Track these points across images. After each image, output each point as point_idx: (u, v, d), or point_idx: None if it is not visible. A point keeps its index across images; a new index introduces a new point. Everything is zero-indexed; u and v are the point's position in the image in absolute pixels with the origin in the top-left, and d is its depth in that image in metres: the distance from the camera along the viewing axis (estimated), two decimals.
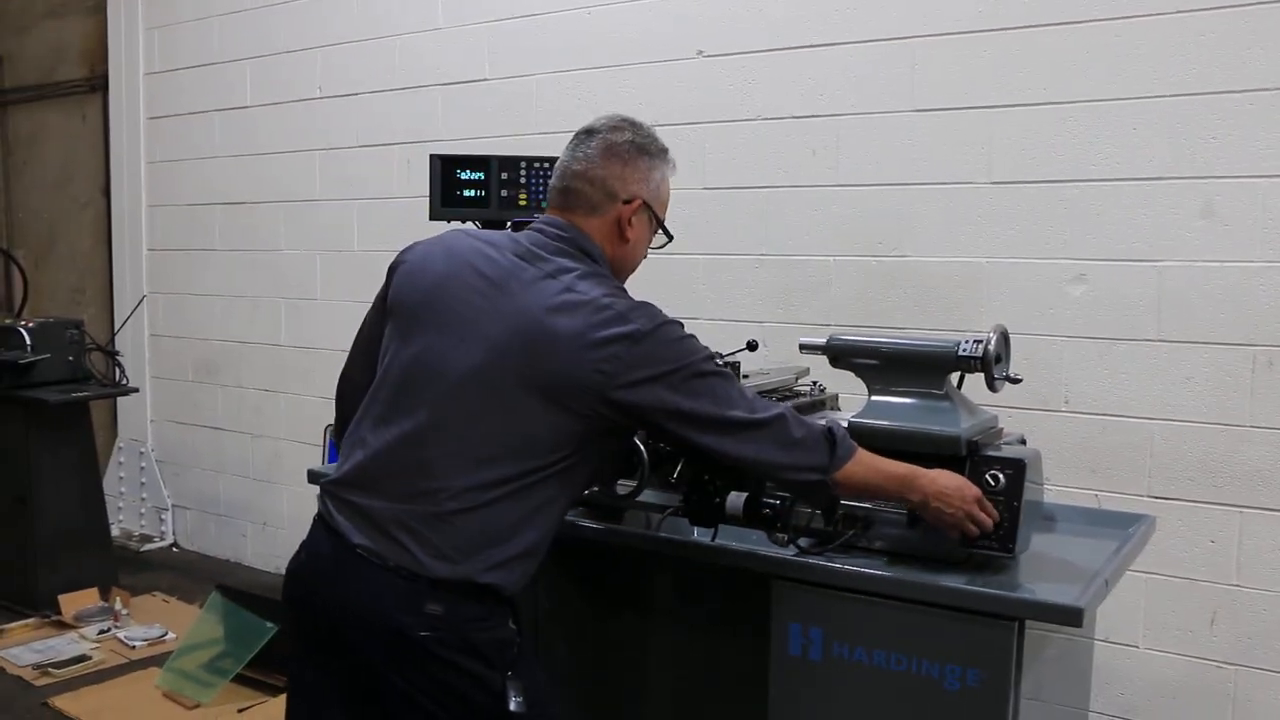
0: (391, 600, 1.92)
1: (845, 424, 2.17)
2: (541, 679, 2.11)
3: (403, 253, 2.16)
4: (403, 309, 2.08)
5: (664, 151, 2.16)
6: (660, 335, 1.93)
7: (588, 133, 2.12)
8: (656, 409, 1.93)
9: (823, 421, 2.05)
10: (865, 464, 2.01)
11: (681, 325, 1.99)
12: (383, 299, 2.17)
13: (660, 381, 1.91)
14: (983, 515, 2.00)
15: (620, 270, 2.13)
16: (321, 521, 2.06)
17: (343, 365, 2.29)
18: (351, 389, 2.20)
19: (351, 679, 2.02)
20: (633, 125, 2.13)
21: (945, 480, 2.00)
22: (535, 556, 2.03)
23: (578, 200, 2.08)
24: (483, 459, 1.94)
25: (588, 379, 1.90)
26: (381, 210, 4.96)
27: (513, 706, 1.97)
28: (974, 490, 2.01)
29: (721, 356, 2.29)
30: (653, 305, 1.98)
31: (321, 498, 2.08)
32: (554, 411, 1.92)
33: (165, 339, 6.07)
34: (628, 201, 2.07)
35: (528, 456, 1.95)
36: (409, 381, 2.01)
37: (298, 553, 2.10)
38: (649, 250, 2.20)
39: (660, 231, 2.18)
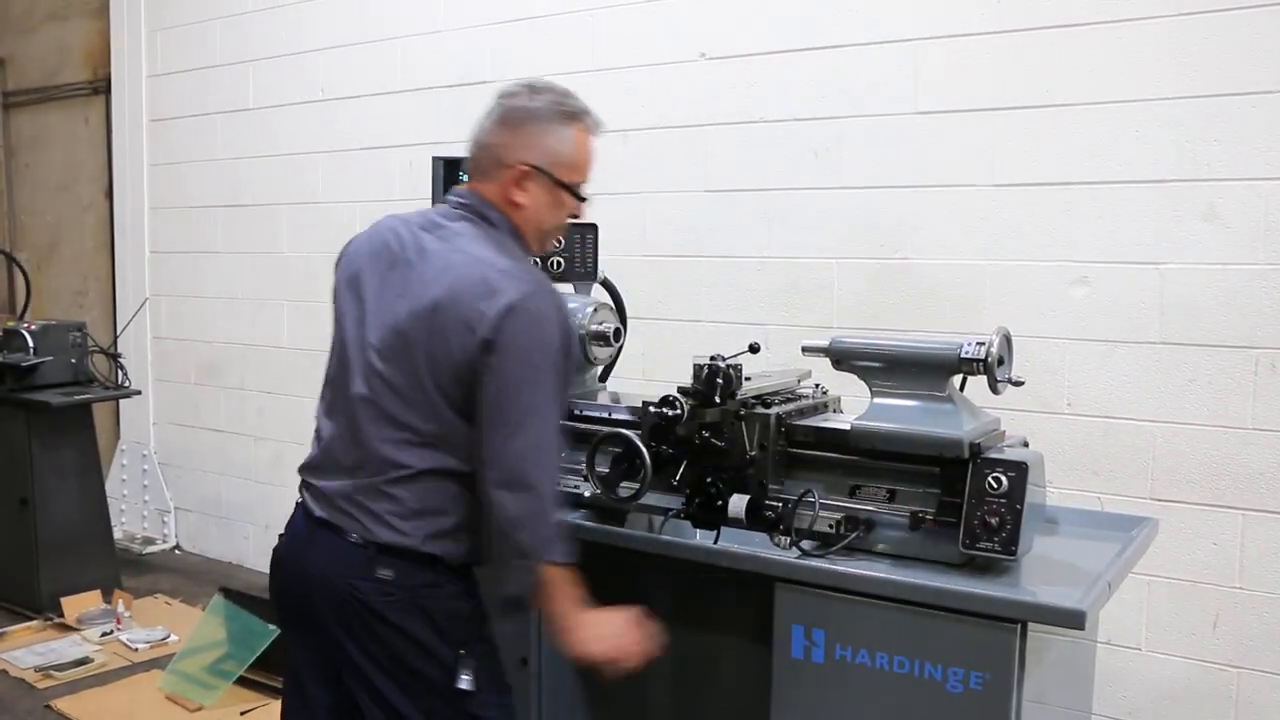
0: (346, 566, 2.04)
1: (849, 426, 2.18)
2: (500, 670, 2.17)
3: (343, 248, 2.26)
4: (336, 298, 2.19)
5: (565, 115, 2.13)
6: (525, 315, 1.96)
7: (493, 100, 2.17)
8: (502, 370, 1.96)
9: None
10: (559, 581, 2.03)
11: (558, 315, 2.01)
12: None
13: (504, 355, 1.95)
14: (631, 647, 2.10)
15: (528, 235, 2.16)
16: (297, 505, 2.21)
17: None
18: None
19: (325, 655, 2.12)
20: (531, 90, 2.13)
21: (602, 627, 2.07)
22: (473, 532, 2.08)
23: (476, 168, 2.16)
24: (408, 432, 2.02)
25: (462, 333, 1.96)
26: (384, 212, 4.90)
27: (462, 684, 2.04)
28: (626, 632, 2.09)
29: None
30: (537, 278, 2.04)
31: (299, 485, 2.21)
32: (452, 374, 1.99)
33: (168, 341, 6.08)
34: (513, 167, 2.10)
35: (446, 423, 2.01)
36: (341, 365, 2.13)
37: (280, 536, 2.24)
38: (574, 209, 2.19)
39: (570, 193, 2.16)
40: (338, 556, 2.06)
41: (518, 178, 2.10)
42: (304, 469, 2.20)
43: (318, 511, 2.11)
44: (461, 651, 2.06)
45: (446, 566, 2.07)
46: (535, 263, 2.47)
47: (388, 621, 2.03)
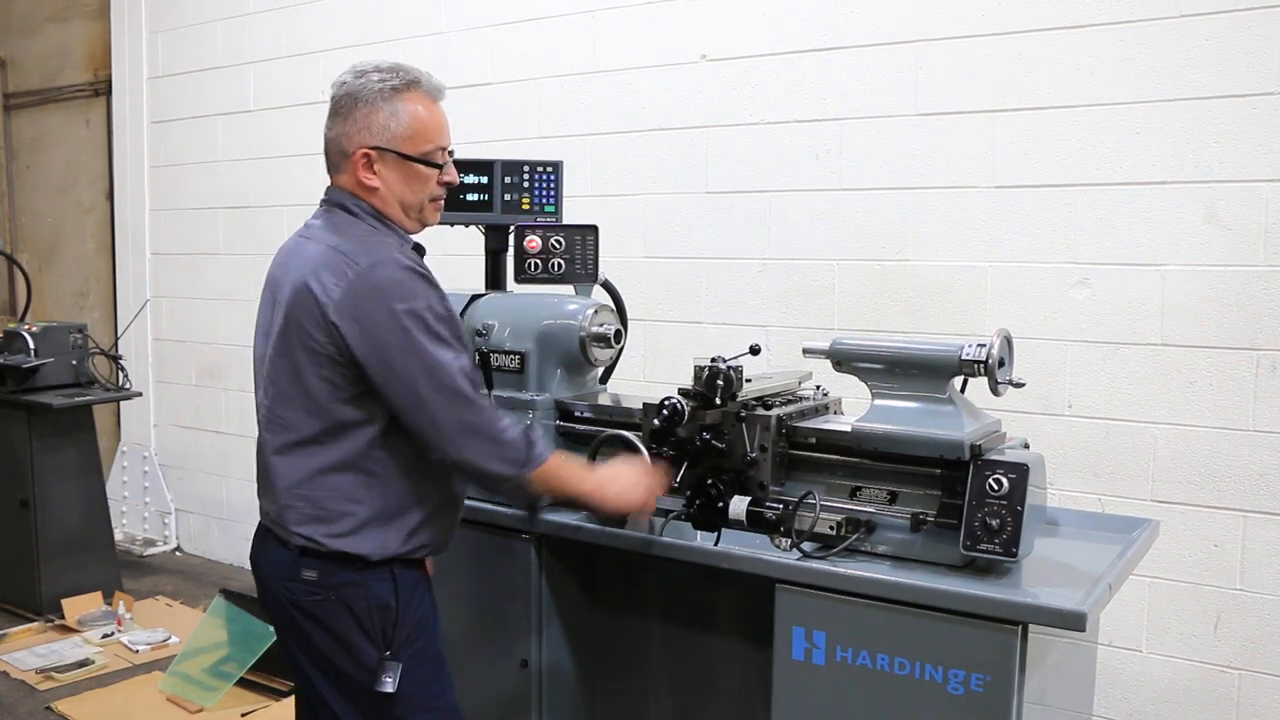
0: (279, 569, 2.12)
1: (849, 428, 2.18)
2: (437, 673, 2.18)
3: None
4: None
5: (390, 90, 2.10)
6: (375, 275, 1.99)
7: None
8: (368, 349, 1.98)
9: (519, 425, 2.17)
10: (560, 471, 2.13)
11: (414, 274, 2.03)
12: None
13: (370, 321, 1.97)
14: (656, 488, 2.21)
15: (392, 213, 2.16)
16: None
17: None
18: None
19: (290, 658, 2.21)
20: (355, 74, 2.13)
21: (623, 479, 2.20)
22: (389, 525, 2.09)
23: (329, 163, 2.19)
24: (299, 433, 2.07)
25: (317, 313, 2.00)
26: None
27: (384, 687, 2.06)
28: (644, 478, 2.21)
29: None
30: (390, 250, 2.05)
31: None
32: (322, 365, 2.02)
33: (168, 343, 6.08)
34: (353, 154, 2.11)
35: (328, 418, 2.04)
36: (255, 378, 2.20)
37: None
38: (440, 176, 2.17)
39: (421, 165, 2.14)
40: (274, 560, 2.14)
41: (362, 163, 2.11)
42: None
43: (264, 518, 2.21)
44: (388, 653, 2.08)
45: (366, 564, 2.08)
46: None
47: (318, 621, 2.08)
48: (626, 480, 2.20)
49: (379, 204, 2.14)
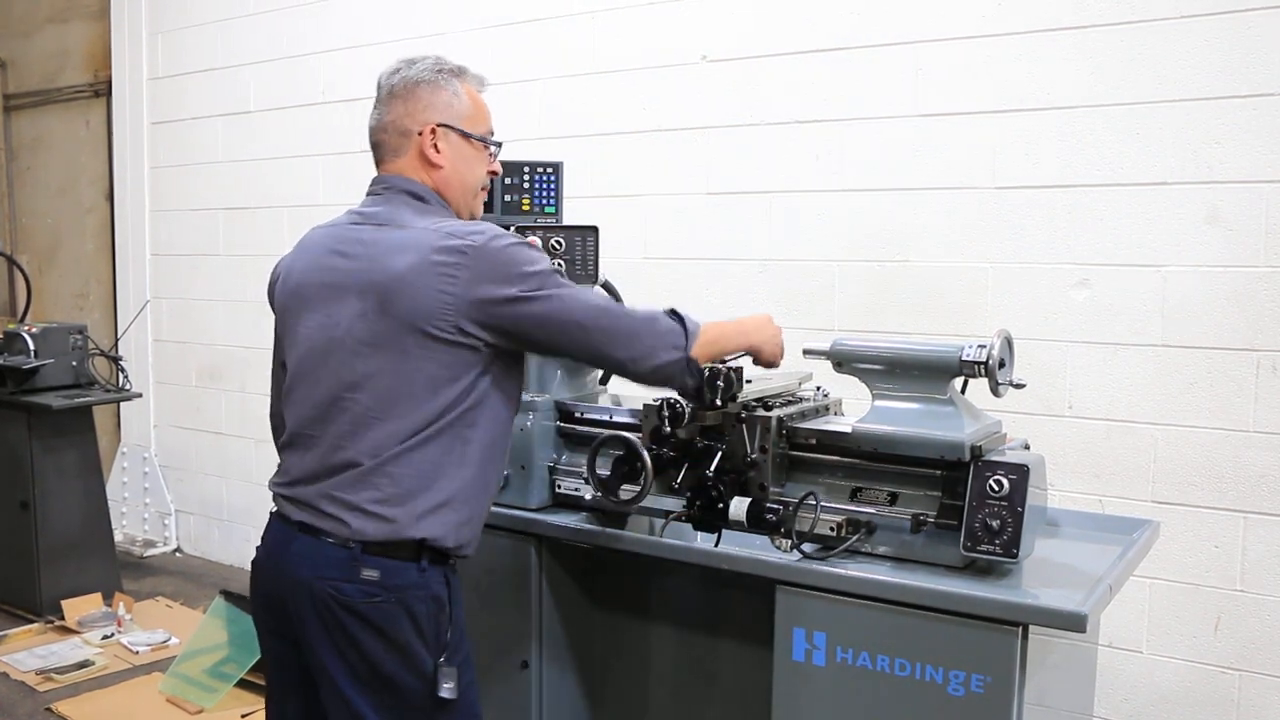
0: (329, 569, 1.99)
1: (850, 429, 2.18)
2: (471, 679, 2.13)
3: (272, 273, 2.26)
4: (283, 315, 2.18)
5: (446, 73, 2.16)
6: (493, 246, 1.99)
7: (377, 91, 2.19)
8: (514, 320, 2.00)
9: (658, 308, 2.18)
10: (710, 334, 2.18)
11: (525, 244, 2.05)
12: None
13: (506, 291, 1.98)
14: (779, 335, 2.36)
15: (453, 195, 2.18)
16: (272, 515, 2.15)
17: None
18: (282, 421, 2.21)
19: (304, 667, 2.08)
20: (407, 63, 2.17)
21: (761, 323, 2.35)
22: (462, 507, 2.05)
23: (383, 152, 2.17)
24: (384, 413, 2.00)
25: (436, 302, 1.97)
26: None
27: (444, 693, 2.00)
28: (774, 326, 2.37)
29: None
30: (488, 224, 2.08)
31: (273, 498, 2.17)
32: (429, 347, 1.98)
33: (169, 344, 6.08)
34: (420, 132, 2.13)
35: (424, 400, 2.00)
36: (303, 372, 2.10)
37: (258, 548, 2.18)
38: (490, 164, 2.23)
39: (481, 144, 2.20)
40: (321, 561, 2.02)
41: (430, 140, 2.12)
42: (278, 485, 2.18)
43: (296, 515, 2.09)
44: (443, 659, 2.02)
45: (432, 557, 2.02)
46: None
47: (372, 625, 1.98)
48: (768, 330, 2.34)
49: (442, 186, 2.15)
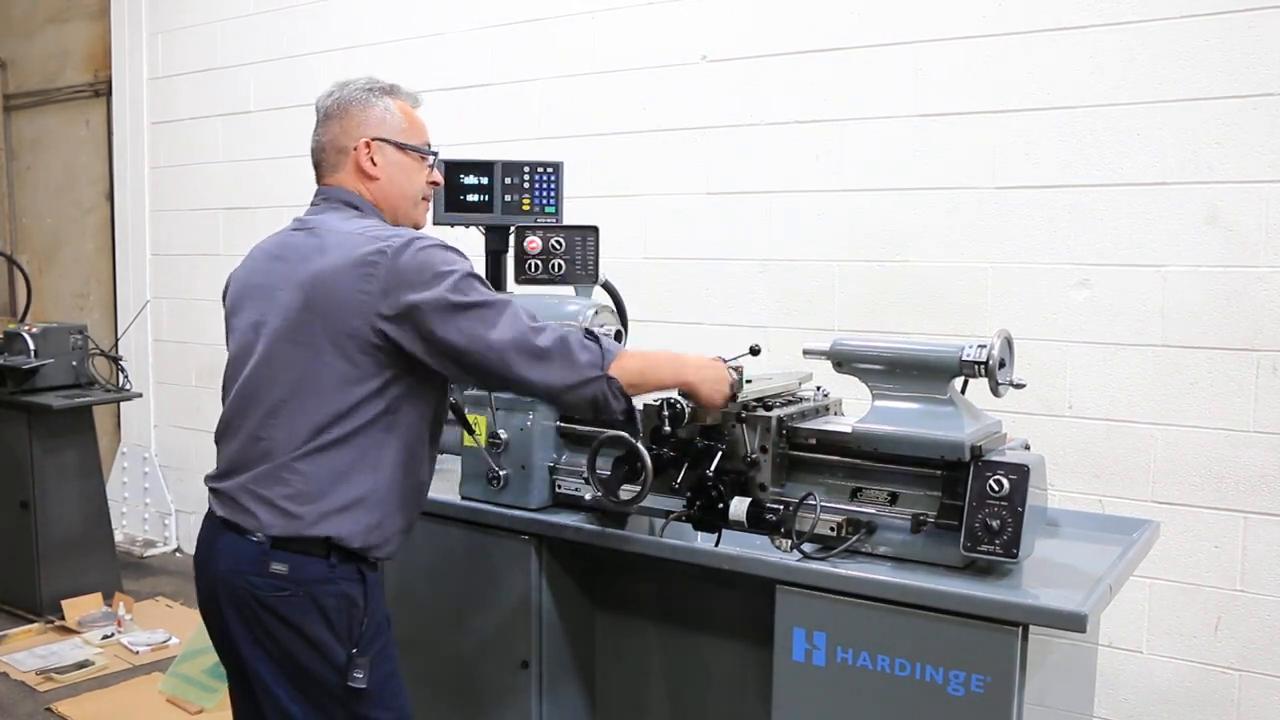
0: (244, 563, 2.07)
1: (850, 429, 2.18)
2: (390, 670, 2.17)
3: (225, 282, 2.39)
4: (227, 319, 2.31)
5: (377, 91, 2.25)
6: (411, 249, 2.04)
7: (316, 114, 2.29)
8: (425, 319, 2.02)
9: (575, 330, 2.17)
10: (638, 361, 2.16)
11: (446, 247, 2.08)
12: None
13: (422, 294, 2.01)
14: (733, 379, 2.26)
15: (390, 204, 2.25)
16: (206, 513, 2.22)
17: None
18: None
19: (236, 657, 2.15)
20: (340, 85, 2.27)
21: (704, 363, 2.24)
22: (375, 509, 2.10)
23: (323, 168, 2.28)
24: (296, 404, 2.07)
25: (354, 302, 2.03)
26: None
27: (354, 683, 2.06)
28: (723, 368, 2.26)
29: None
30: (413, 230, 2.15)
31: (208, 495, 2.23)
32: (343, 344, 2.04)
33: (169, 344, 6.08)
34: (355, 147, 2.22)
35: (333, 395, 2.05)
36: (233, 371, 2.21)
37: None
38: (429, 174, 2.30)
39: (418, 155, 2.27)
40: (237, 555, 2.09)
41: (364, 153, 2.21)
42: (209, 479, 2.24)
43: (219, 511, 2.16)
44: (355, 649, 2.08)
45: (340, 555, 2.07)
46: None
47: (284, 620, 2.05)
48: (710, 370, 2.24)
49: (380, 196, 2.24)
